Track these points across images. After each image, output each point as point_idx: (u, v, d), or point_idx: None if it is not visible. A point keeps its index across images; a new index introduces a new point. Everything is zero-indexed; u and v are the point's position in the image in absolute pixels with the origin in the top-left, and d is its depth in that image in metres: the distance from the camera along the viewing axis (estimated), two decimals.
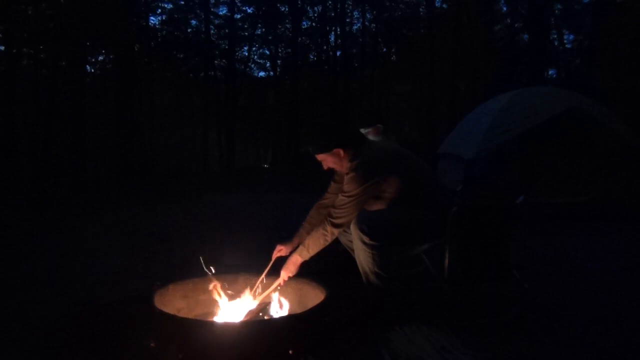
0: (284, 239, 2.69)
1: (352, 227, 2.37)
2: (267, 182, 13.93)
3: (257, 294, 2.44)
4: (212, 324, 2.07)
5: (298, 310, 2.30)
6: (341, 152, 2.49)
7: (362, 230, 2.32)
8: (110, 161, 16.47)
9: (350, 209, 2.37)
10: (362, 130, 3.83)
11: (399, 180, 2.43)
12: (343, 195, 2.39)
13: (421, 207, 2.46)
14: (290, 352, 1.91)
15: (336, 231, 2.41)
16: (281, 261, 2.51)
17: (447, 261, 2.34)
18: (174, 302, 2.33)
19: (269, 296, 2.42)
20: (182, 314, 2.28)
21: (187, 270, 2.74)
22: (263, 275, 2.50)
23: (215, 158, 23.21)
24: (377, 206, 2.52)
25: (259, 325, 2.05)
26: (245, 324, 2.07)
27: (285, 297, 2.43)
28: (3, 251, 4.45)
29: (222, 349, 1.86)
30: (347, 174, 2.44)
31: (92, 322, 2.45)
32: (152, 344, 1.99)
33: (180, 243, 4.48)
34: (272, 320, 2.15)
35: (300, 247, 2.45)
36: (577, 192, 5.97)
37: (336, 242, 2.96)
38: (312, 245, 2.41)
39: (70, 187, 11.64)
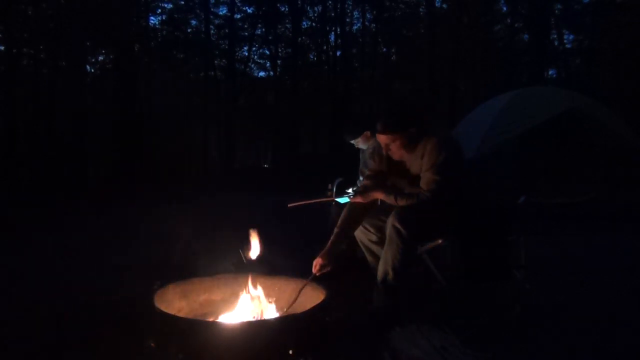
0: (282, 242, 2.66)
1: (392, 221, 2.37)
2: (267, 182, 13.93)
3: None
4: (212, 324, 2.07)
5: (298, 310, 2.29)
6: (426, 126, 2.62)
7: (402, 225, 2.32)
8: (110, 161, 16.45)
9: (445, 176, 2.40)
10: (352, 141, 3.81)
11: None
12: (432, 171, 2.42)
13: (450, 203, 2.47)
14: (290, 352, 1.90)
15: (433, 201, 2.40)
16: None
17: (448, 261, 2.34)
18: (174, 302, 2.32)
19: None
20: (182, 314, 2.28)
21: (187, 270, 2.74)
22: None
23: (215, 158, 23.16)
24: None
25: (259, 325, 2.05)
26: (245, 324, 2.07)
27: (285, 298, 2.42)
28: (3, 251, 4.45)
29: (222, 349, 1.86)
30: (426, 147, 2.52)
31: (92, 322, 2.45)
32: (152, 344, 1.99)
33: (180, 243, 4.47)
34: (272, 320, 2.15)
35: (391, 191, 2.52)
36: (577, 192, 5.96)
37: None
38: (403, 199, 2.44)
39: (70, 187, 11.63)
